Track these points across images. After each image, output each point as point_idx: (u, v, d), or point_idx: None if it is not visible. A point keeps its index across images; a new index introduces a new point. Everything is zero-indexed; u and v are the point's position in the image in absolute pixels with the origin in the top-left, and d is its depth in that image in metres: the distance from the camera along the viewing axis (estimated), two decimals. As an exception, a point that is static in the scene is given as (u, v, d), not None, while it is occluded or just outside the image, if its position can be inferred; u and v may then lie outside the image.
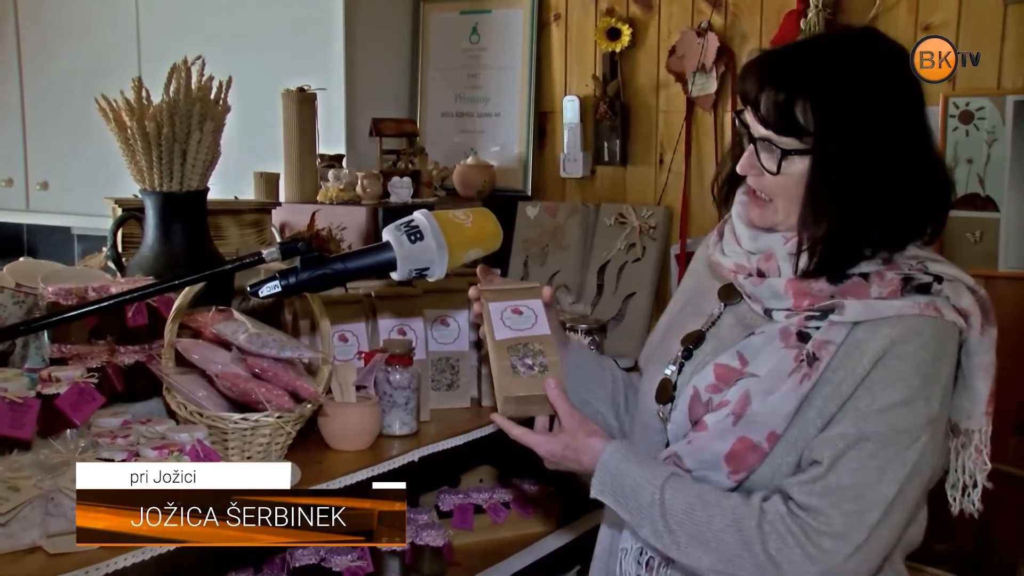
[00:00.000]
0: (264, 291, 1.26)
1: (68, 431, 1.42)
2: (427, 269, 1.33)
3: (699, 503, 1.27)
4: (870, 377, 1.23)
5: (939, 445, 1.27)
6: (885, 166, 1.26)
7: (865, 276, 1.28)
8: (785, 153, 1.27)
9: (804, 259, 1.29)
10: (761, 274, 1.34)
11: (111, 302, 1.23)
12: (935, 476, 1.31)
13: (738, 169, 1.34)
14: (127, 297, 1.24)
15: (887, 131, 1.26)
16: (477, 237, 1.38)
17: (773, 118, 1.27)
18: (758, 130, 1.30)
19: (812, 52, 1.32)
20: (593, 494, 1.36)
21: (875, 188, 1.26)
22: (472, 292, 1.51)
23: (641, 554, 1.40)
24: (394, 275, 1.32)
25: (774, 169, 1.29)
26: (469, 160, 3.11)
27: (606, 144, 3.05)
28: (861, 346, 1.25)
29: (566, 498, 2.36)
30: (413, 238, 1.31)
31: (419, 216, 1.33)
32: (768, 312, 1.34)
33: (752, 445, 1.27)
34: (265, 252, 1.27)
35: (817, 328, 1.28)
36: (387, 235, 1.32)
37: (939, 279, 1.28)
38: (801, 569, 1.20)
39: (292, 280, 1.27)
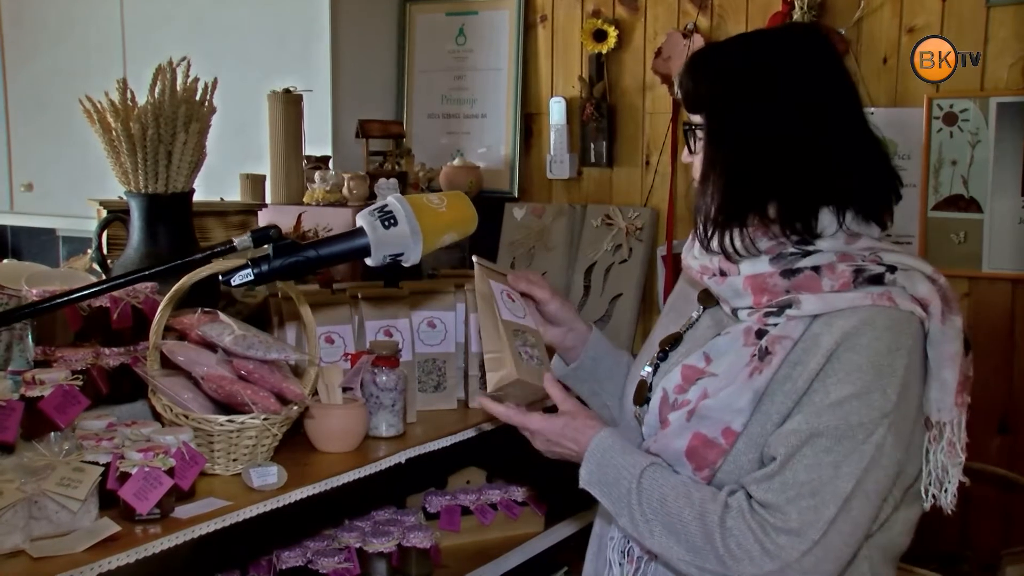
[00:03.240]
0: (236, 279, 1.25)
1: (52, 434, 1.41)
2: (402, 255, 1.32)
3: (672, 493, 1.28)
4: (824, 371, 1.24)
5: (903, 439, 1.26)
6: (768, 141, 1.30)
7: (816, 269, 1.29)
8: (691, 129, 1.38)
9: (701, 228, 1.35)
10: (723, 273, 1.36)
11: (74, 298, 1.23)
12: (906, 472, 1.30)
13: (681, 158, 1.45)
14: (94, 290, 1.23)
15: (775, 111, 1.30)
16: (452, 221, 1.37)
17: (684, 100, 1.39)
18: (684, 117, 1.41)
19: (721, 44, 1.42)
20: (581, 484, 1.38)
21: (755, 159, 1.31)
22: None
23: (626, 543, 1.42)
24: (369, 261, 1.31)
25: (690, 148, 1.39)
26: (455, 161, 3.11)
27: (592, 145, 3.05)
28: (817, 340, 1.25)
29: (553, 499, 2.36)
30: (387, 223, 1.30)
31: (393, 201, 1.32)
32: (735, 312, 1.37)
33: (708, 440, 1.28)
34: (237, 240, 1.26)
35: (775, 325, 1.29)
36: (360, 221, 1.31)
37: (892, 269, 1.28)
38: (758, 564, 1.21)
39: (264, 268, 1.25)
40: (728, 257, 1.34)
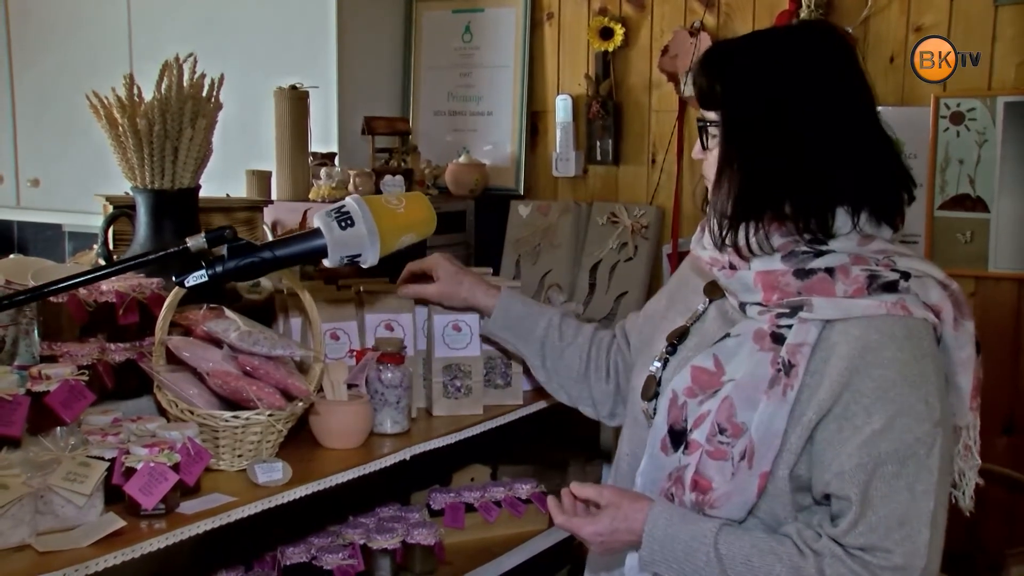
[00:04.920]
0: (190, 280, 1.25)
1: (58, 429, 1.42)
2: (359, 256, 1.31)
3: (755, 552, 1.26)
4: (855, 388, 1.23)
5: (951, 437, 1.27)
6: (787, 141, 1.29)
7: (830, 271, 1.28)
8: (705, 125, 1.36)
9: (715, 224, 1.34)
10: (733, 267, 1.35)
11: (57, 288, 1.23)
12: None
13: (692, 155, 1.44)
14: (77, 281, 1.23)
15: (795, 111, 1.29)
16: (410, 223, 1.36)
17: (700, 96, 1.37)
18: (698, 113, 1.39)
19: (740, 41, 1.41)
20: (642, 568, 1.33)
21: (774, 160, 1.29)
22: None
23: None
24: (326, 262, 1.31)
25: (703, 144, 1.38)
26: (461, 159, 3.11)
27: (598, 143, 3.05)
28: (834, 349, 1.25)
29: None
30: (343, 224, 1.29)
31: (350, 201, 1.32)
32: (743, 306, 1.36)
33: (766, 473, 1.26)
34: (191, 241, 1.26)
35: (789, 327, 1.28)
36: (317, 221, 1.30)
37: (906, 275, 1.27)
38: None
39: (219, 269, 1.25)
40: (741, 255, 1.32)
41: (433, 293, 1.84)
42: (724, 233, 1.33)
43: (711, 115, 1.36)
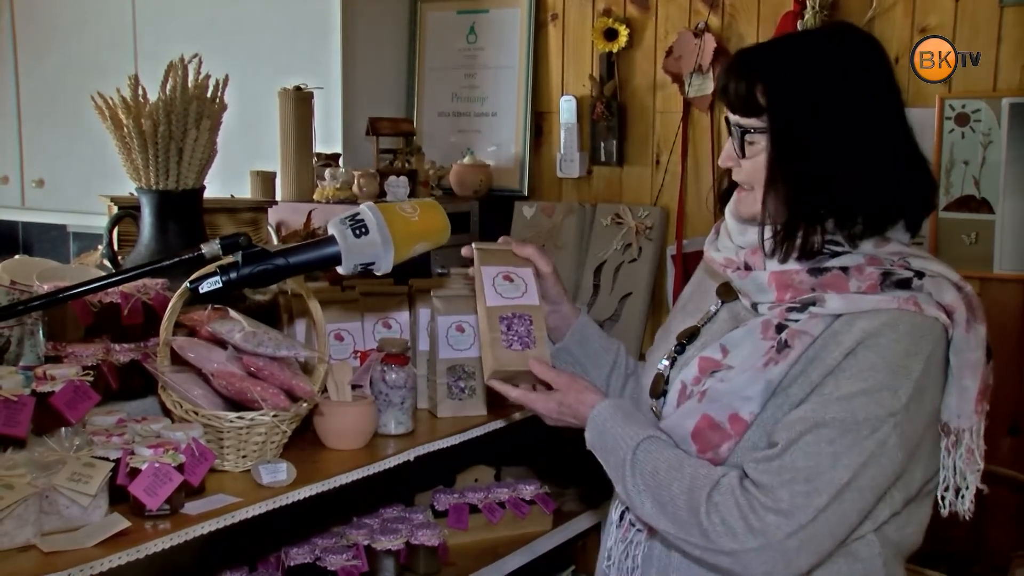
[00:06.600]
0: (204, 287, 1.25)
1: (63, 429, 1.42)
2: (373, 264, 1.31)
3: (665, 466, 1.30)
4: (840, 366, 1.24)
5: (908, 442, 1.25)
6: (840, 144, 1.27)
7: (844, 270, 1.28)
8: (745, 132, 1.32)
9: (768, 234, 1.32)
10: (748, 268, 1.35)
11: (65, 296, 1.23)
12: (911, 476, 1.29)
13: (719, 161, 1.39)
14: (82, 289, 1.24)
15: (844, 113, 1.28)
16: (424, 231, 1.37)
17: (738, 103, 1.32)
18: (733, 119, 1.34)
19: (775, 44, 1.37)
20: (588, 446, 1.42)
21: (830, 164, 1.28)
22: (465, 251, 1.55)
23: (624, 507, 1.44)
24: (340, 270, 1.31)
25: (741, 152, 1.33)
26: (465, 160, 3.11)
27: (603, 144, 3.05)
28: (837, 338, 1.25)
29: (561, 498, 2.36)
30: (358, 232, 1.29)
31: (364, 209, 1.32)
32: (755, 306, 1.36)
33: (714, 423, 1.28)
34: (205, 247, 1.26)
35: (796, 320, 1.28)
36: (332, 228, 1.30)
37: (920, 275, 1.28)
38: (741, 541, 1.22)
39: (233, 276, 1.25)
40: (788, 259, 1.31)
41: (546, 270, 1.60)
42: (783, 242, 1.30)
43: (752, 121, 1.31)
